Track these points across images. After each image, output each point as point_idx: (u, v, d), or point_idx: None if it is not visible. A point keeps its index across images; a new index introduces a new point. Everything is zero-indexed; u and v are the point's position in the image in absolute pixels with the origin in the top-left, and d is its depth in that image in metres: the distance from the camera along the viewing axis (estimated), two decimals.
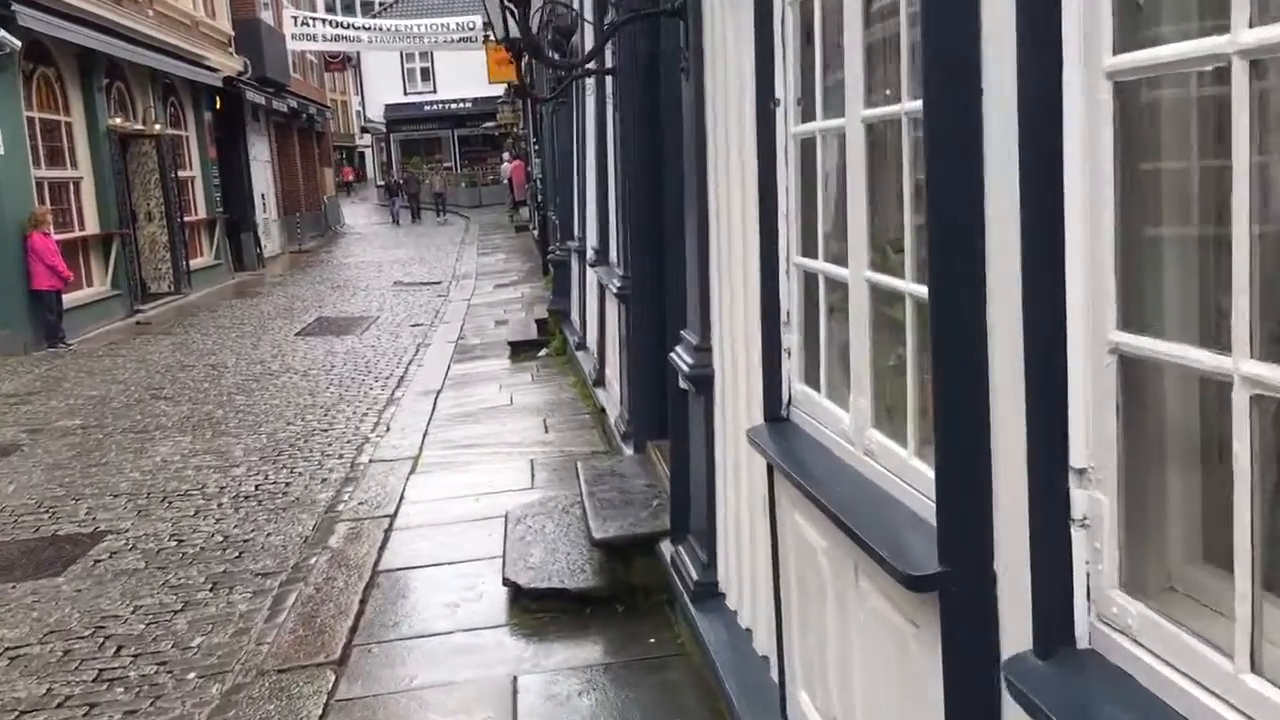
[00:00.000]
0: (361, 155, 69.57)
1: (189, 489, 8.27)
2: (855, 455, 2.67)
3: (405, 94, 57.10)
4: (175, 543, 7.07)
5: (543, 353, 12.73)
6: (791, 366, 3.21)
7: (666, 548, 4.88)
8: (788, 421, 3.21)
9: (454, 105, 55.97)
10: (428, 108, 56.70)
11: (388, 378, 12.47)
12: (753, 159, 3.36)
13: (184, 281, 21.59)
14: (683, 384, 4.46)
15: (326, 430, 9.94)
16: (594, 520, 5.24)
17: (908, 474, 2.39)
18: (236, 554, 6.77)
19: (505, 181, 44.19)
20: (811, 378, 3.10)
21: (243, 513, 7.61)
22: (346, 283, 23.37)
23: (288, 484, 8.26)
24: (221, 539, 7.07)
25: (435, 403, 10.55)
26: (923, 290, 2.21)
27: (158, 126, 21.17)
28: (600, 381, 8.94)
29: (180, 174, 22.67)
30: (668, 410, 5.86)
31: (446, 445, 8.85)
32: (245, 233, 27.01)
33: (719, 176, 3.90)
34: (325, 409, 10.87)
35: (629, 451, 6.67)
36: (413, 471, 8.09)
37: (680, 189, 4.57)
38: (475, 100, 52.96)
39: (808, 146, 3.07)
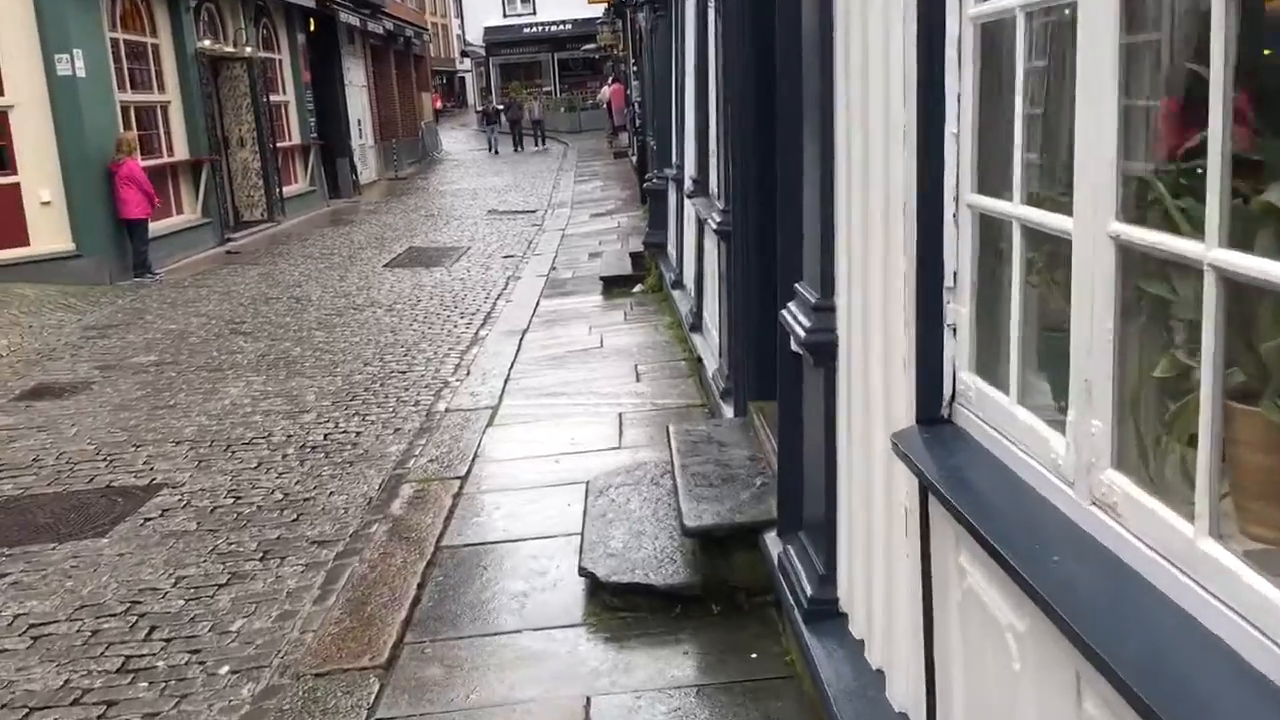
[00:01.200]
0: (462, 80, 68.97)
1: (255, 437, 7.69)
2: (1077, 504, 1.79)
3: (505, 16, 56.17)
4: (232, 500, 6.47)
5: (636, 289, 11.89)
6: (958, 350, 2.34)
7: (773, 542, 4.04)
8: (950, 424, 2.35)
9: (553, 27, 54.86)
10: (527, 30, 55.69)
11: (474, 314, 11.79)
12: (904, 55, 2.46)
13: (277, 209, 21.19)
14: (795, 347, 3.59)
15: (405, 373, 9.29)
16: (686, 502, 4.42)
17: (1199, 568, 1.51)
18: (294, 516, 6.13)
19: (605, 106, 43.15)
20: (989, 368, 2.22)
21: (307, 466, 6.99)
22: (440, 211, 22.78)
23: (358, 434, 7.62)
24: (281, 497, 6.46)
25: (520, 344, 9.81)
26: (1246, 263, 1.32)
27: (249, 49, 20.63)
28: (697, 326, 8.09)
29: (273, 98, 22.19)
30: (776, 370, 5.01)
31: (529, 393, 8.11)
32: (341, 159, 26.56)
33: (851, 82, 2.98)
34: (406, 348, 10.22)
35: (728, 412, 5.82)
36: (490, 424, 7.36)
37: (797, 103, 3.66)
38: (575, 22, 51.79)
39: (994, 33, 2.16)
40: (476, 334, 10.72)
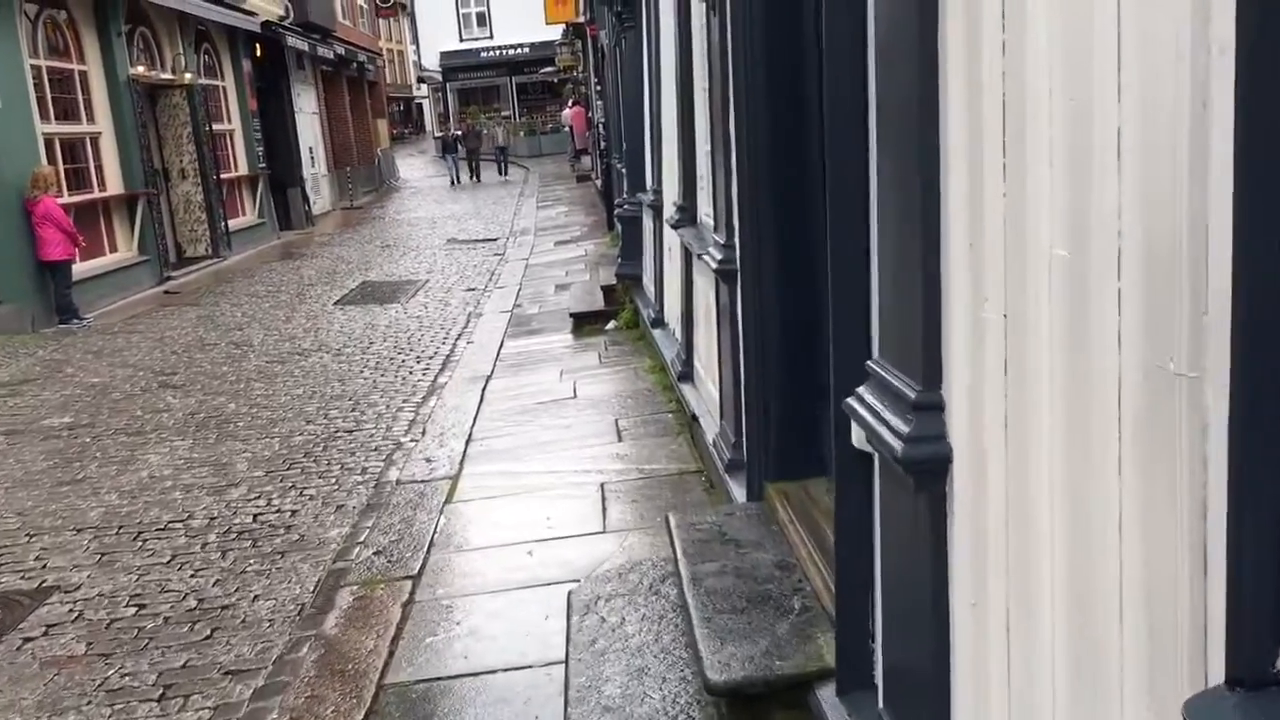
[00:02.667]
0: (419, 106, 67.83)
1: (171, 520, 6.53)
2: None
3: (461, 40, 55.08)
4: (134, 609, 5.31)
5: (610, 326, 10.82)
6: None
7: (831, 706, 2.95)
8: None
9: (510, 51, 53.85)
10: (484, 54, 54.64)
11: (431, 357, 10.66)
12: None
13: (223, 244, 19.95)
14: (866, 447, 2.53)
15: (352, 432, 8.14)
16: (705, 640, 3.34)
17: None
18: (208, 632, 4.99)
19: (566, 129, 42.18)
20: None
21: (230, 560, 5.84)
22: (397, 241, 21.63)
23: (293, 513, 6.47)
24: (194, 605, 5.30)
25: (483, 394, 8.70)
26: None
27: (189, 76, 19.42)
28: (688, 376, 7.01)
29: (217, 127, 21.00)
30: (807, 447, 3.97)
31: (494, 458, 7.00)
32: (292, 189, 25.34)
33: (986, 81, 1.93)
34: (354, 401, 9.08)
35: (738, 494, 4.74)
36: (449, 499, 6.24)
37: (856, 115, 2.61)
38: (532, 45, 50.84)
39: None
40: (434, 382, 9.59)
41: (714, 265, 5.03)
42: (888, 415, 2.31)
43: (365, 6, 40.72)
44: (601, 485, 6.15)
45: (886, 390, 2.37)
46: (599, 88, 19.88)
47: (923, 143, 2.16)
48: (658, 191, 8.65)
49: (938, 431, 2.19)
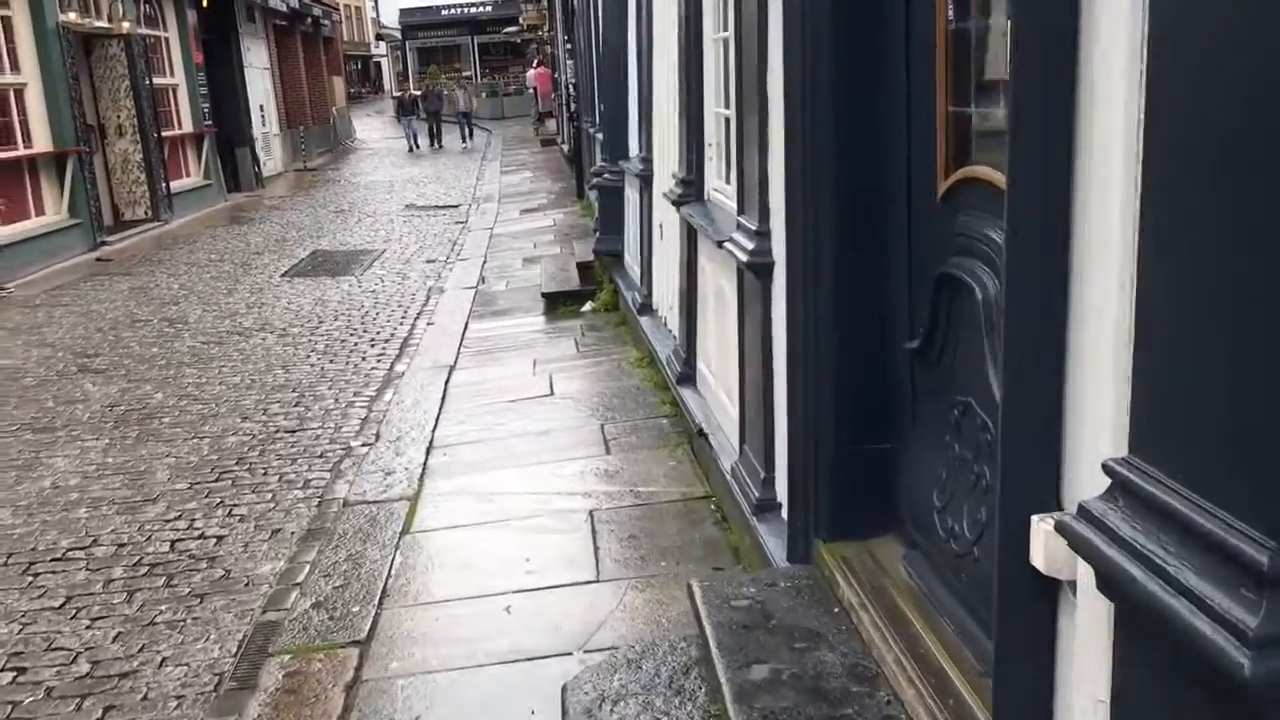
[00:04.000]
0: (377, 64, 65.94)
1: (72, 546, 5.45)
2: None
3: None
4: (10, 676, 4.25)
5: (587, 308, 9.77)
6: None
7: None
8: None
9: (473, 9, 52.35)
10: (445, 12, 53.04)
11: (387, 340, 9.57)
12: None
13: (164, 206, 18.63)
14: (1058, 571, 1.53)
15: (294, 433, 7.07)
16: None
17: None
18: (98, 715, 3.93)
19: (530, 91, 40.86)
20: None
21: (137, 604, 4.78)
22: (352, 206, 20.38)
23: (219, 540, 5.41)
24: (85, 671, 4.25)
25: (446, 389, 7.64)
26: None
27: (126, 25, 17.99)
28: (689, 379, 5.98)
29: (158, 81, 19.58)
30: (875, 495, 3.03)
31: (460, 471, 5.96)
32: (240, 149, 23.94)
33: None
34: (300, 393, 7.99)
35: (777, 554, 3.72)
36: (406, 529, 5.20)
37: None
38: (495, 3, 49.50)
39: None
40: (390, 371, 8.51)
41: (743, 256, 4.00)
42: (1189, 579, 1.31)
43: None
44: (590, 514, 5.12)
45: (1173, 526, 1.37)
46: (569, 46, 18.69)
47: None
48: (646, 160, 7.59)
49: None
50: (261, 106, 26.49)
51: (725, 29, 4.71)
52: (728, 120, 4.90)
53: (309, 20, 32.49)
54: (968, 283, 2.65)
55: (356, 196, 22.04)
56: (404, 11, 53.51)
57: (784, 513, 3.99)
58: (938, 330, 2.87)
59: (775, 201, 3.87)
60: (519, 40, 49.41)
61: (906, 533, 3.26)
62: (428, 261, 13.74)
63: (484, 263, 13.17)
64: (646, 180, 7.60)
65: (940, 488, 2.91)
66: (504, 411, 6.97)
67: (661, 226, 7.27)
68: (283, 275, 13.28)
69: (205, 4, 22.40)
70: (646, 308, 7.77)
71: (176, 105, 20.97)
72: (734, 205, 4.79)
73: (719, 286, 4.99)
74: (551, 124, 33.95)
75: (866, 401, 3.35)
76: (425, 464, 6.10)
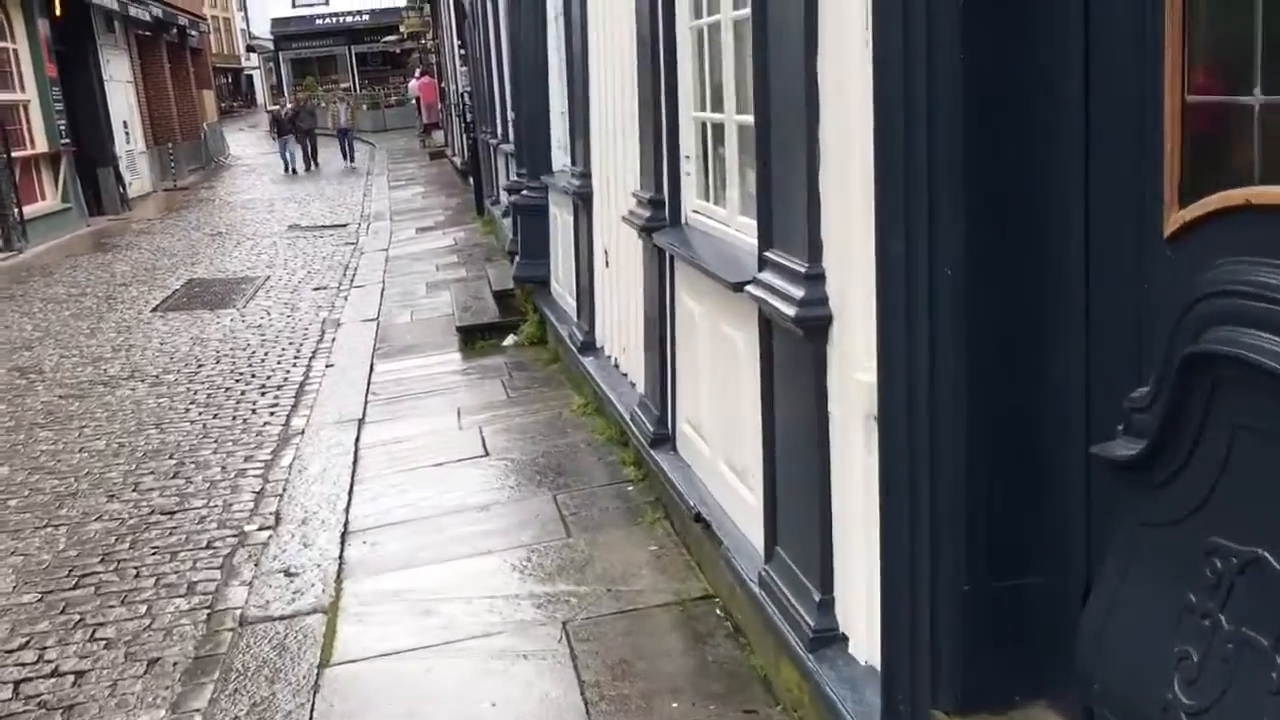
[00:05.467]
0: (249, 77, 63.36)
1: None
2: None
3: (295, 6, 51.37)
4: None
5: (509, 342, 8.66)
6: None
7: None
8: None
9: (349, 18, 50.48)
10: (320, 21, 51.12)
11: (280, 387, 8.31)
12: None
13: (16, 235, 16.88)
14: None
15: (173, 514, 5.82)
16: None
17: None
18: None
19: (413, 102, 39.39)
20: None
21: None
22: (230, 228, 18.84)
23: (77, 681, 4.18)
24: None
25: (357, 450, 6.45)
26: None
27: None
28: (665, 440, 4.91)
29: (6, 97, 17.82)
30: (1013, 643, 2.08)
31: (387, 567, 4.79)
32: (103, 168, 22.09)
33: None
34: (179, 459, 6.72)
35: (855, 713, 2.71)
36: (326, 659, 4.02)
37: None
38: (373, 12, 47.83)
39: None
40: (286, 426, 7.28)
41: (785, 307, 2.97)
42: None
43: None
44: (564, 626, 4.03)
45: None
46: (462, 52, 17.49)
47: None
48: (584, 176, 6.52)
49: None
50: (125, 122, 24.61)
51: (740, 6, 3.67)
52: (740, 127, 3.86)
53: (174, 30, 30.53)
54: (1265, 367, 1.67)
55: (234, 217, 20.46)
56: (276, 21, 51.29)
57: (851, 647, 2.98)
58: (1180, 435, 1.88)
59: (834, 232, 2.86)
60: (398, 50, 47.83)
61: (1077, 701, 2.27)
62: (318, 289, 12.45)
63: (383, 289, 11.92)
64: (584, 199, 6.53)
65: (1171, 661, 1.93)
66: (431, 480, 5.82)
67: (607, 253, 6.22)
68: (154, 310, 11.84)
69: (59, 12, 20.54)
70: (589, 346, 6.69)
71: (28, 122, 19.13)
72: (744, 235, 3.77)
73: (722, 336, 3.95)
74: (439, 135, 32.62)
75: (1012, 519, 2.36)
76: (342, 557, 4.93)
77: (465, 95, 17.33)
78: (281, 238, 17.06)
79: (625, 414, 5.49)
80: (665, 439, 4.89)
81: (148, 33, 27.62)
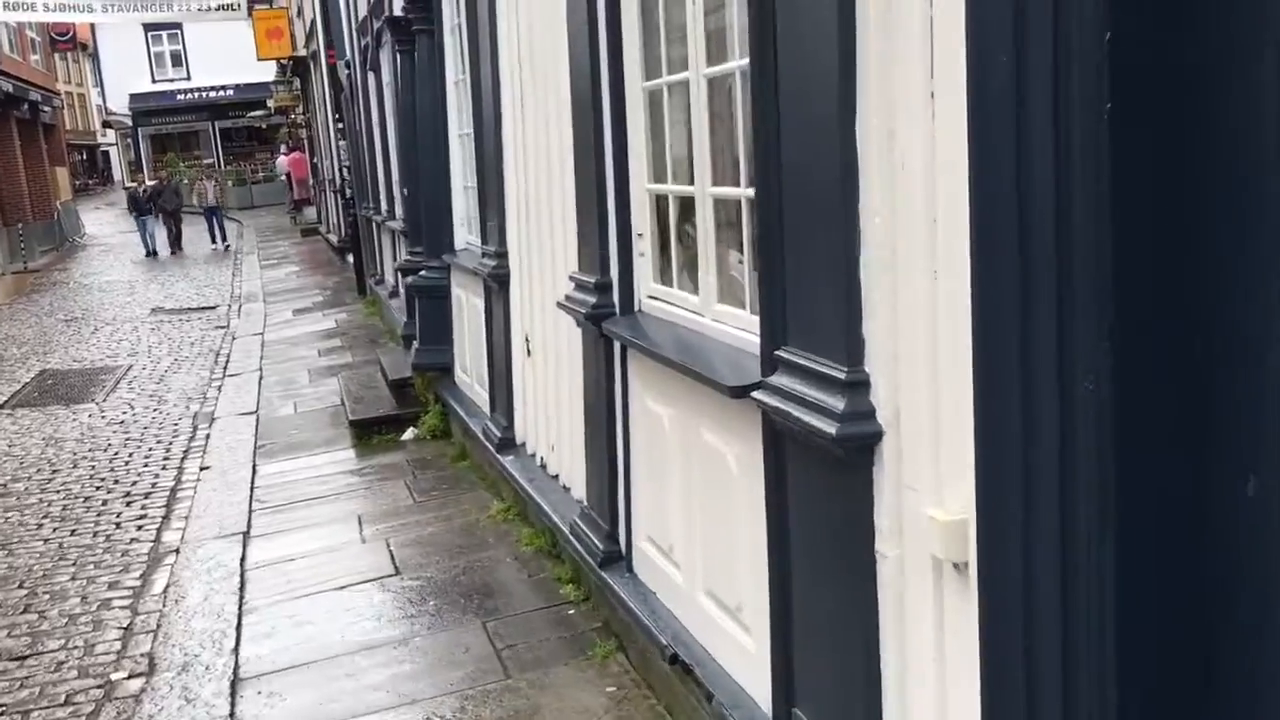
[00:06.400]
0: (105, 154, 61.01)
1: None
2: None
3: (154, 81, 49.68)
4: None
5: (409, 435, 7.90)
6: None
7: None
8: None
9: (213, 93, 49.00)
10: (181, 97, 49.43)
11: (147, 495, 7.39)
12: None
13: None
14: None
15: (23, 661, 4.90)
16: None
17: None
18: None
19: (282, 178, 38.20)
20: None
21: None
22: (86, 312, 17.55)
23: None
24: None
25: (243, 573, 5.61)
26: None
27: None
28: (618, 558, 4.25)
29: None
30: None
31: None
32: None
33: None
34: (30, 589, 5.77)
35: None
36: None
37: None
38: (237, 87, 46.47)
39: None
40: (157, 542, 6.38)
41: (827, 428, 2.38)
42: None
43: (39, 40, 35.26)
44: None
45: None
46: (339, 125, 16.75)
47: None
48: (499, 255, 5.89)
49: None
50: None
51: (716, 61, 3.13)
52: (716, 201, 3.30)
53: (25, 106, 28.96)
54: None
55: (91, 301, 19.12)
56: (135, 97, 49.40)
57: None
58: None
59: (879, 328, 2.30)
60: (264, 125, 46.54)
61: None
62: (187, 379, 11.44)
63: (261, 378, 11.00)
64: (500, 281, 5.90)
65: None
66: (336, 607, 5.02)
67: (529, 340, 5.58)
68: (0, 407, 10.68)
69: None
70: (508, 443, 6.01)
71: None
72: (726, 325, 3.20)
73: (704, 447, 3.35)
74: (311, 211, 31.56)
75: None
76: (233, 715, 4.11)
77: (344, 170, 16.57)
78: (144, 322, 15.91)
79: (560, 523, 4.83)
80: (617, 557, 4.25)
81: None
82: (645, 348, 3.65)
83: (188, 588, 5.51)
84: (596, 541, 4.34)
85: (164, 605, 5.34)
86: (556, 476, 5.30)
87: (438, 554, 5.54)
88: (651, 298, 3.93)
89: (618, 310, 4.05)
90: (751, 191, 2.83)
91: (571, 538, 4.65)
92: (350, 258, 17.36)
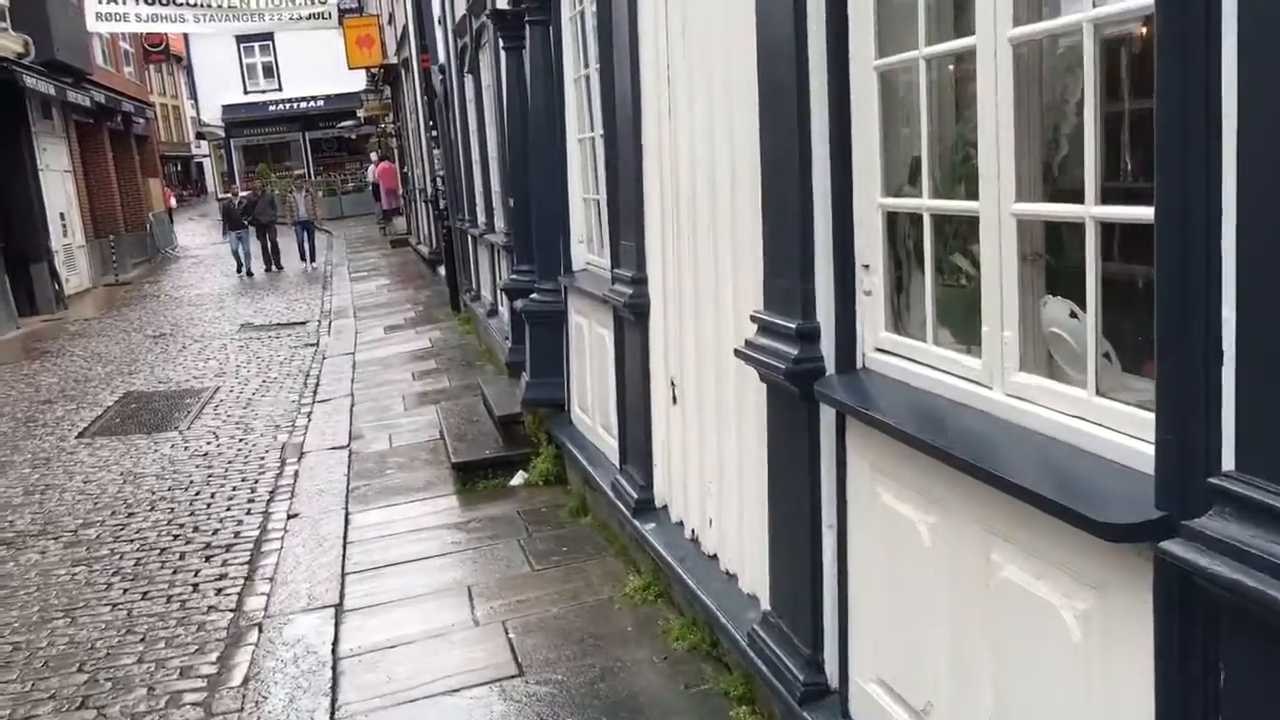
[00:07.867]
0: (199, 165, 61.66)
1: None
2: None
3: (246, 93, 49.97)
4: None
5: (518, 480, 6.96)
6: None
7: None
8: None
9: (303, 104, 49.11)
10: (273, 108, 49.64)
11: (228, 548, 6.55)
12: None
13: None
14: None
15: None
16: None
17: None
18: None
19: (371, 188, 37.89)
20: None
21: None
22: (175, 328, 17.04)
23: None
24: None
25: (335, 664, 4.68)
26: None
27: None
28: (822, 694, 3.20)
29: None
30: None
31: None
32: (36, 264, 20.23)
33: None
34: (91, 673, 4.92)
35: None
36: None
37: None
38: (328, 97, 46.44)
39: None
40: (238, 613, 5.51)
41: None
42: None
43: (132, 52, 35.34)
44: None
45: None
46: (434, 133, 15.98)
47: None
48: (638, 282, 4.89)
49: None
50: (63, 214, 22.82)
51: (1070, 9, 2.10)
52: (1087, 225, 2.25)
53: (118, 117, 28.87)
54: None
55: (180, 315, 18.65)
56: (227, 108, 49.75)
57: None
58: None
59: None
60: (354, 135, 46.43)
61: None
62: (275, 404, 10.68)
63: (352, 405, 10.18)
64: (638, 312, 4.90)
65: None
66: None
67: (675, 385, 4.57)
68: (80, 435, 10.02)
69: None
70: (647, 506, 5.00)
71: None
72: (1073, 414, 2.15)
73: (1015, 590, 2.28)
74: (401, 222, 31.07)
75: None
76: None
77: (437, 179, 15.79)
78: (233, 339, 15.29)
79: (723, 618, 3.81)
80: (822, 692, 3.20)
81: (89, 119, 25.93)
82: (895, 428, 2.60)
83: (270, 682, 4.60)
84: (791, 667, 3.30)
85: (242, 706, 4.43)
86: (715, 558, 4.28)
87: (567, 647, 4.55)
88: (882, 350, 2.89)
89: (831, 366, 3.01)
90: (1146, 213, 1.77)
91: (748, 649, 3.61)
92: (442, 270, 16.61)
